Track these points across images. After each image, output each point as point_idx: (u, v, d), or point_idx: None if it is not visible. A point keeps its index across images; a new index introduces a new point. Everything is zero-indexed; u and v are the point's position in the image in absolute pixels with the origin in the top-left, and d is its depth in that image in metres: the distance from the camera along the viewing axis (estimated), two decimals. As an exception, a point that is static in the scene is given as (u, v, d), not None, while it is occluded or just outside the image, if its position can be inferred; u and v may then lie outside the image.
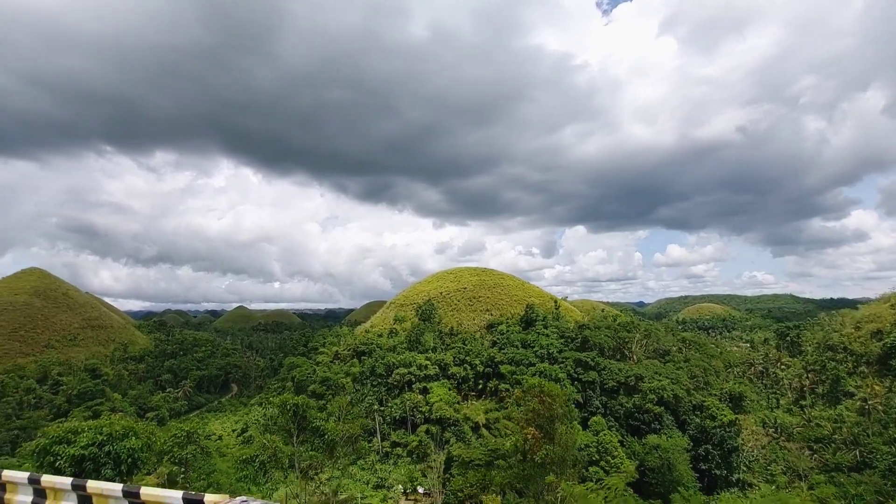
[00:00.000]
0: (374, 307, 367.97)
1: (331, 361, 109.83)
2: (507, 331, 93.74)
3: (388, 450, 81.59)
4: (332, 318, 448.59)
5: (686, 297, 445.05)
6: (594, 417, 69.03)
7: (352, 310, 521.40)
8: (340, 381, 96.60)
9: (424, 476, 77.20)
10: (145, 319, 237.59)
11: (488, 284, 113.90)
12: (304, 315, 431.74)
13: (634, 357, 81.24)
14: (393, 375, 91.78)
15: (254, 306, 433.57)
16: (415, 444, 79.01)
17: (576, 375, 78.16)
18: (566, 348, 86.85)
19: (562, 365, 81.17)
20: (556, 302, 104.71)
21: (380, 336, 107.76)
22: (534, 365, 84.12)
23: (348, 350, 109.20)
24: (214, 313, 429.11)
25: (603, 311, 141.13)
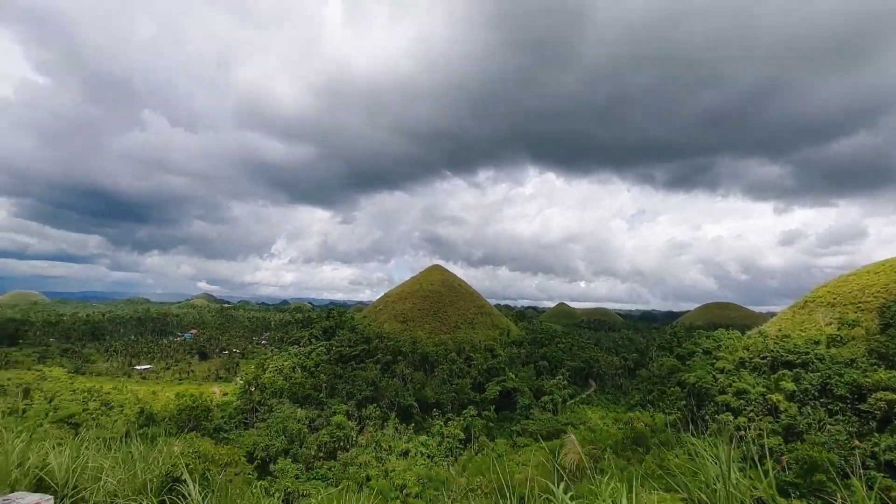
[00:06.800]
0: (712, 309, 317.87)
1: (734, 369, 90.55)
2: None
3: (890, 509, 56.63)
4: (650, 319, 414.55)
5: None
6: None
7: (671, 312, 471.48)
8: (770, 398, 76.46)
9: None
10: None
11: None
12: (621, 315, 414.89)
13: None
14: (869, 400, 65.33)
15: (572, 304, 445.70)
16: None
17: None
18: None
19: None
20: None
21: (816, 343, 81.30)
22: None
23: (762, 358, 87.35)
24: (535, 309, 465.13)
25: None
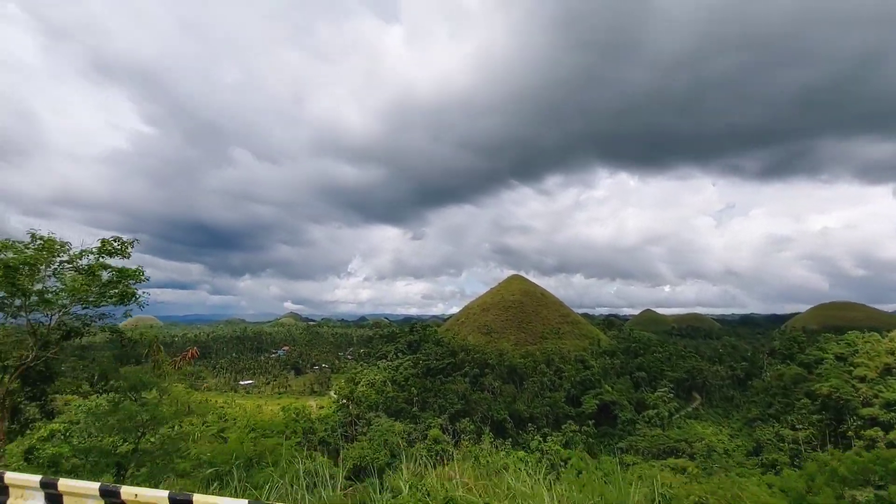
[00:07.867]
0: (829, 310, 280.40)
1: (878, 377, 78.56)
2: None
3: None
4: (751, 324, 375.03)
5: None
6: None
7: (775, 315, 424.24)
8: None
9: None
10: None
11: None
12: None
13: None
14: None
15: (659, 311, 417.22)
16: None
17: None
18: None
19: None
20: None
21: None
22: None
23: (915, 364, 74.96)
24: (616, 316, 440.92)
25: None
